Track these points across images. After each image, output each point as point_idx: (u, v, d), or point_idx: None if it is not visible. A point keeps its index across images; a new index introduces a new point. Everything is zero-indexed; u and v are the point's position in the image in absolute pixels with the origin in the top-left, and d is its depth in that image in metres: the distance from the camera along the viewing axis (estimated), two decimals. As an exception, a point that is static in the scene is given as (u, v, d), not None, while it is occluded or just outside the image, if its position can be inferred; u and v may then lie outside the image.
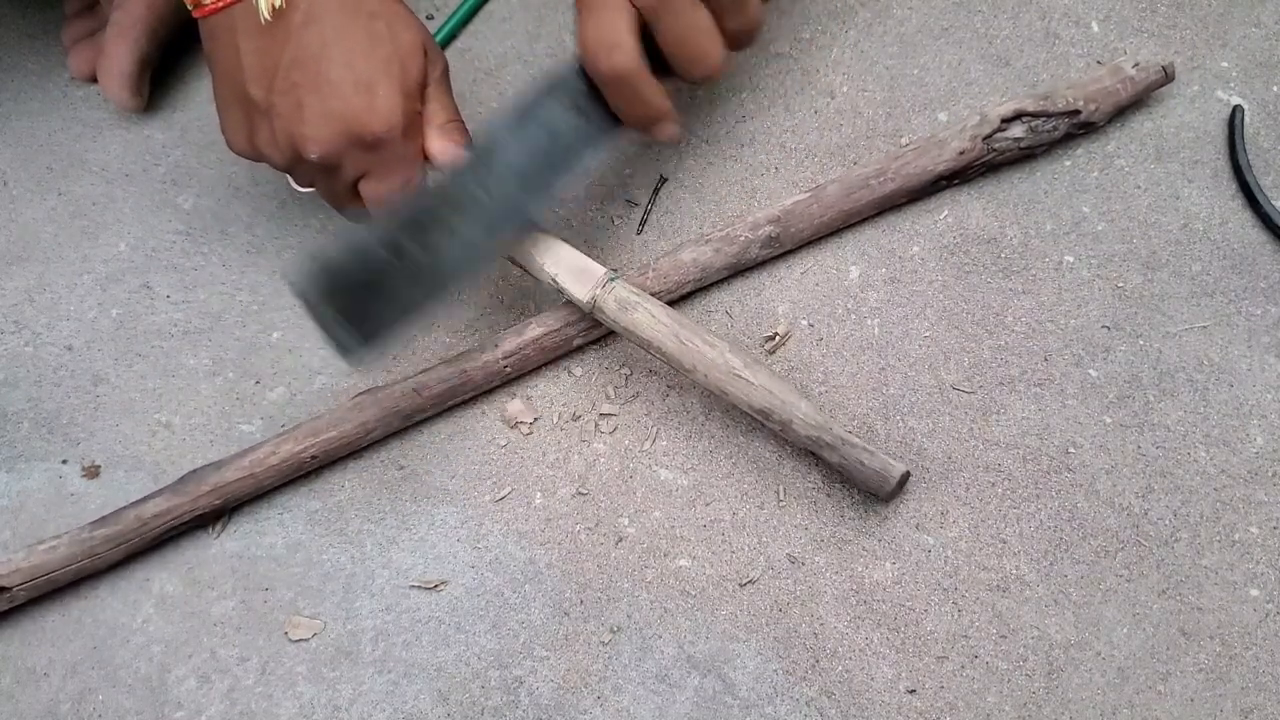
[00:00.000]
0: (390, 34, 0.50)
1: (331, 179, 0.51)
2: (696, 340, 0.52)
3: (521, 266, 0.54)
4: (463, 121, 0.54)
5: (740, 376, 0.51)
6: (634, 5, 0.48)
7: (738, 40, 0.52)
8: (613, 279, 0.53)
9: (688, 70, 0.51)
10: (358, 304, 0.50)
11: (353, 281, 0.50)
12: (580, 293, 0.53)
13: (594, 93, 0.51)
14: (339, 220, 0.56)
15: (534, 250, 0.53)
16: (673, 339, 0.52)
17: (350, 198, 0.53)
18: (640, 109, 0.51)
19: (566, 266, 0.53)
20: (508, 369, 0.56)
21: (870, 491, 0.52)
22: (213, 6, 0.49)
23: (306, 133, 0.49)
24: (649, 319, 0.52)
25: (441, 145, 0.52)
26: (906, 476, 0.51)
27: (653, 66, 0.50)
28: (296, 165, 0.51)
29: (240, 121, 0.52)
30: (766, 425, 0.52)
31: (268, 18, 0.48)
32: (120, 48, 0.63)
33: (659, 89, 0.51)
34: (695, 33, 0.49)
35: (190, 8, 0.50)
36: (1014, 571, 0.52)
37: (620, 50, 0.48)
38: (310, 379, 0.60)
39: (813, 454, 0.53)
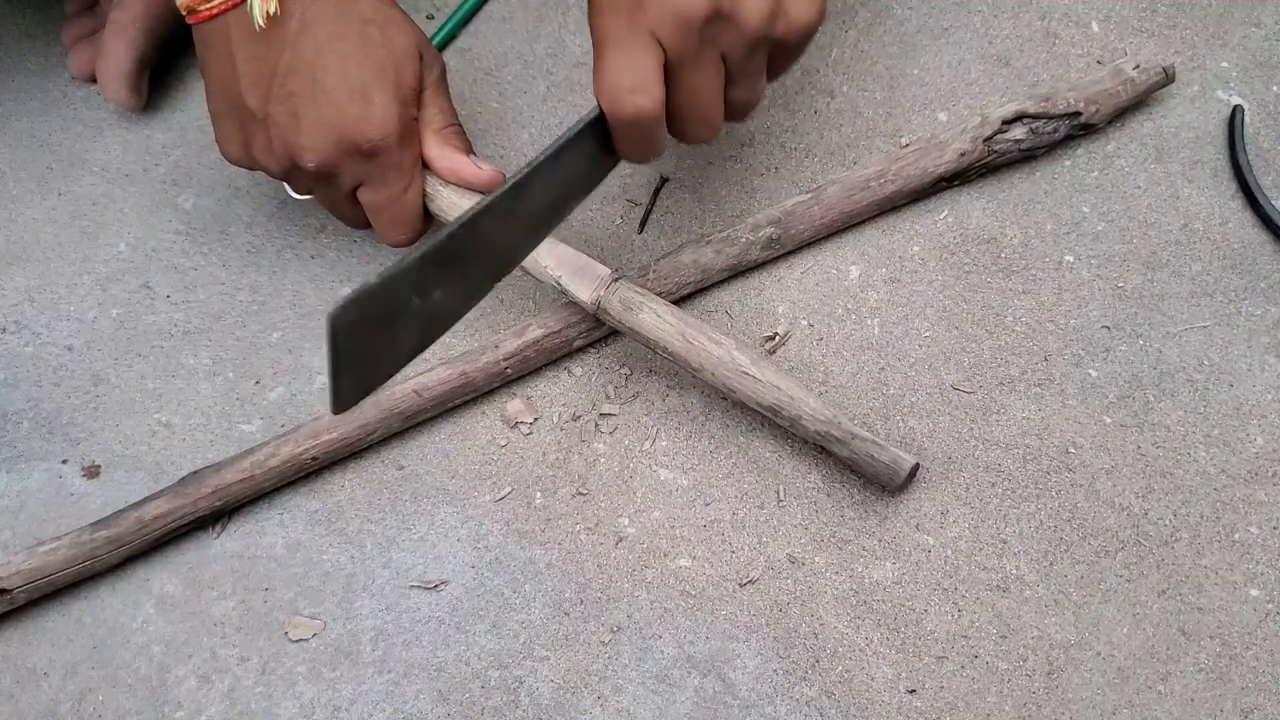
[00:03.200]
0: (384, 39, 0.50)
1: (329, 187, 0.51)
2: (702, 338, 0.52)
3: (523, 268, 0.54)
4: (461, 125, 0.54)
5: (748, 373, 0.51)
6: (663, 48, 0.45)
7: (736, 112, 0.50)
8: (616, 279, 0.53)
9: (687, 129, 0.49)
10: (372, 355, 0.46)
11: (377, 328, 0.45)
12: (584, 294, 0.53)
13: (606, 131, 0.49)
14: (340, 222, 0.56)
15: (536, 252, 0.53)
16: (679, 338, 0.52)
17: (348, 206, 0.53)
18: (646, 151, 0.49)
19: (569, 267, 0.53)
20: (508, 370, 0.56)
21: (880, 484, 0.52)
22: (207, 13, 0.49)
23: (302, 142, 0.49)
24: (654, 318, 0.52)
25: (440, 150, 0.52)
26: (916, 469, 0.51)
27: None
28: (293, 174, 0.51)
29: (235, 130, 0.52)
30: (775, 422, 0.52)
31: (262, 25, 0.48)
32: (119, 47, 0.63)
33: (656, 134, 0.48)
34: (708, 94, 0.48)
35: (185, 14, 0.50)
36: (1014, 571, 0.52)
37: (646, 94, 0.46)
38: (310, 379, 0.60)
39: (821, 449, 0.53)
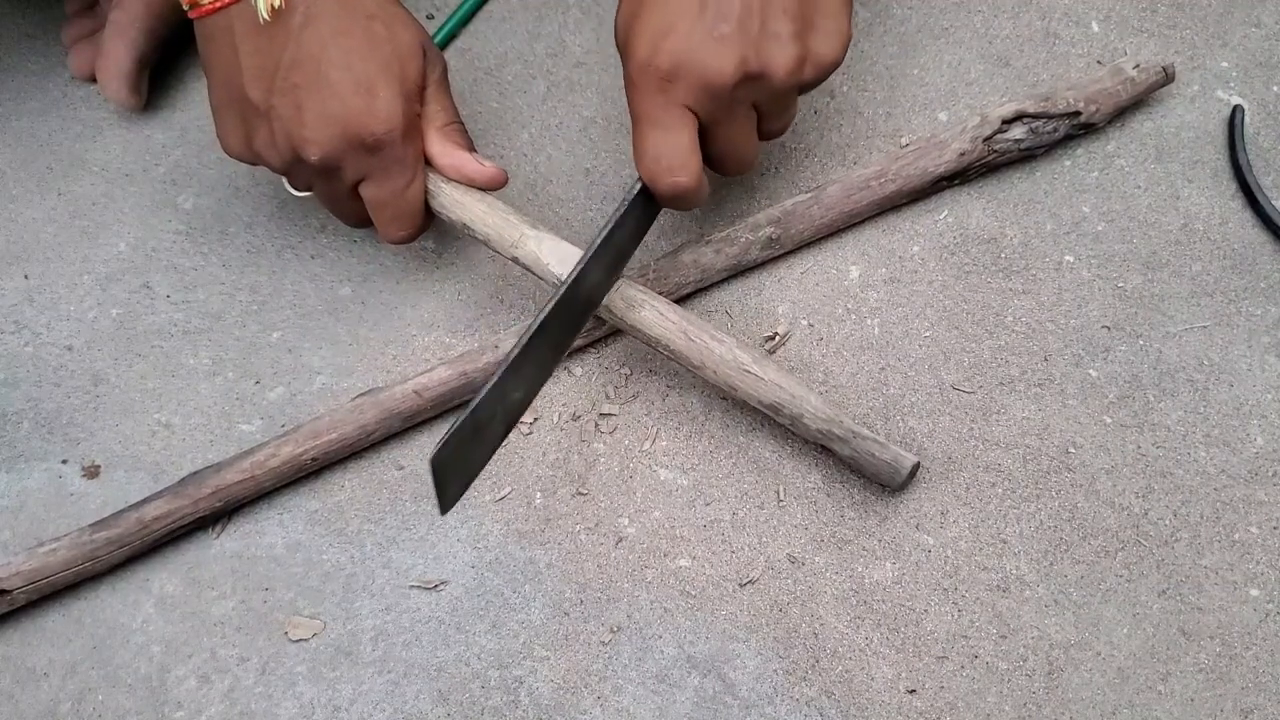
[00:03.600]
0: (389, 35, 0.50)
1: (331, 182, 0.51)
2: (705, 337, 0.52)
3: (525, 267, 0.54)
4: (463, 123, 0.54)
5: (749, 372, 0.51)
6: (696, 116, 0.48)
7: (770, 137, 0.52)
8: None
9: (727, 170, 0.52)
10: (468, 461, 0.48)
11: (470, 441, 0.47)
12: None
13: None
14: (339, 221, 0.56)
15: (538, 250, 0.53)
16: (681, 336, 0.52)
17: (350, 201, 0.53)
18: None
19: (571, 266, 0.53)
20: (508, 369, 0.56)
21: (882, 483, 0.52)
22: (210, 7, 0.49)
23: (306, 135, 0.49)
24: (656, 316, 0.52)
25: (442, 147, 0.52)
26: (917, 468, 0.51)
27: None
28: (295, 168, 0.51)
29: (237, 124, 0.52)
30: (776, 421, 0.52)
31: (266, 18, 0.48)
32: (118, 47, 0.63)
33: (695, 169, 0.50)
34: (744, 140, 0.50)
35: (186, 8, 0.50)
36: (1014, 571, 0.52)
37: (685, 170, 0.48)
38: (310, 379, 0.60)
39: (822, 448, 0.53)
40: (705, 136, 0.49)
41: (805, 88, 0.50)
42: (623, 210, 0.49)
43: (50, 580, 0.54)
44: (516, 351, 0.47)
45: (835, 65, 0.49)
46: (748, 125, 0.49)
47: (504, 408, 0.48)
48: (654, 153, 0.48)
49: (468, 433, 0.46)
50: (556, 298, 0.48)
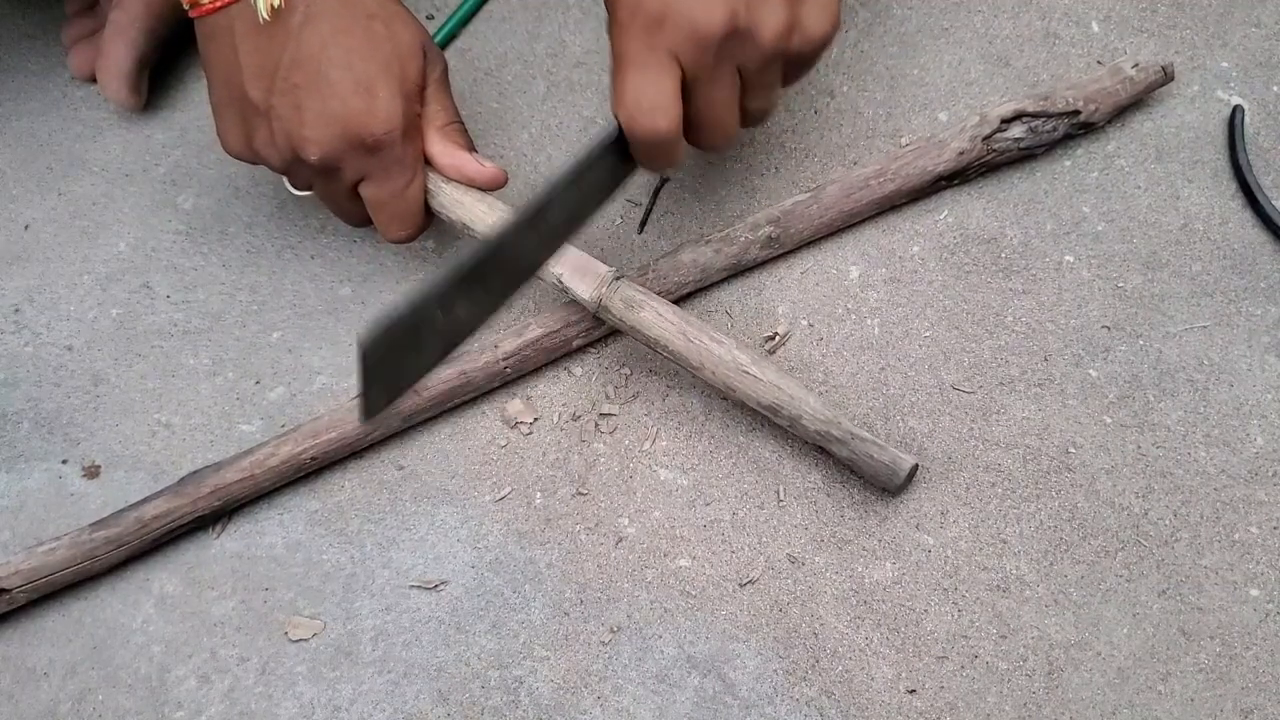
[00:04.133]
0: (389, 34, 0.50)
1: (331, 182, 0.51)
2: (704, 337, 0.52)
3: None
4: (463, 123, 0.54)
5: (748, 373, 0.51)
6: (680, 65, 0.46)
7: (752, 120, 0.51)
8: (617, 278, 0.53)
9: (703, 139, 0.50)
10: (398, 367, 0.48)
11: (404, 344, 0.47)
12: (585, 292, 0.53)
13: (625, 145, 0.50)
14: (339, 222, 0.56)
15: None
16: (680, 337, 0.52)
17: (350, 201, 0.53)
18: (665, 164, 0.50)
19: (571, 266, 0.53)
20: (507, 370, 0.56)
21: (880, 485, 0.52)
22: (210, 6, 0.49)
23: (306, 134, 0.49)
24: (655, 317, 0.52)
25: (442, 147, 0.52)
26: (915, 469, 0.51)
27: None
28: (295, 167, 0.51)
29: (237, 123, 0.52)
30: (775, 421, 0.52)
31: (266, 18, 0.48)
32: (118, 46, 0.63)
33: (677, 147, 0.49)
34: (725, 106, 0.49)
35: (187, 7, 0.50)
36: (1014, 571, 0.52)
37: (664, 114, 0.47)
38: (310, 379, 0.60)
39: (821, 449, 0.53)
40: (686, 95, 0.48)
41: (791, 64, 0.49)
42: (593, 150, 0.48)
43: (50, 580, 0.54)
44: (470, 262, 0.46)
45: (823, 43, 0.48)
46: (730, 91, 0.48)
47: (448, 320, 0.47)
48: (634, 94, 0.46)
49: (406, 322, 0.45)
50: (517, 219, 0.47)
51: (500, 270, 0.48)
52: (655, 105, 0.46)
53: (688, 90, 0.47)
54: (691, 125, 0.49)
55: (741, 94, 0.49)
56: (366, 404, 0.46)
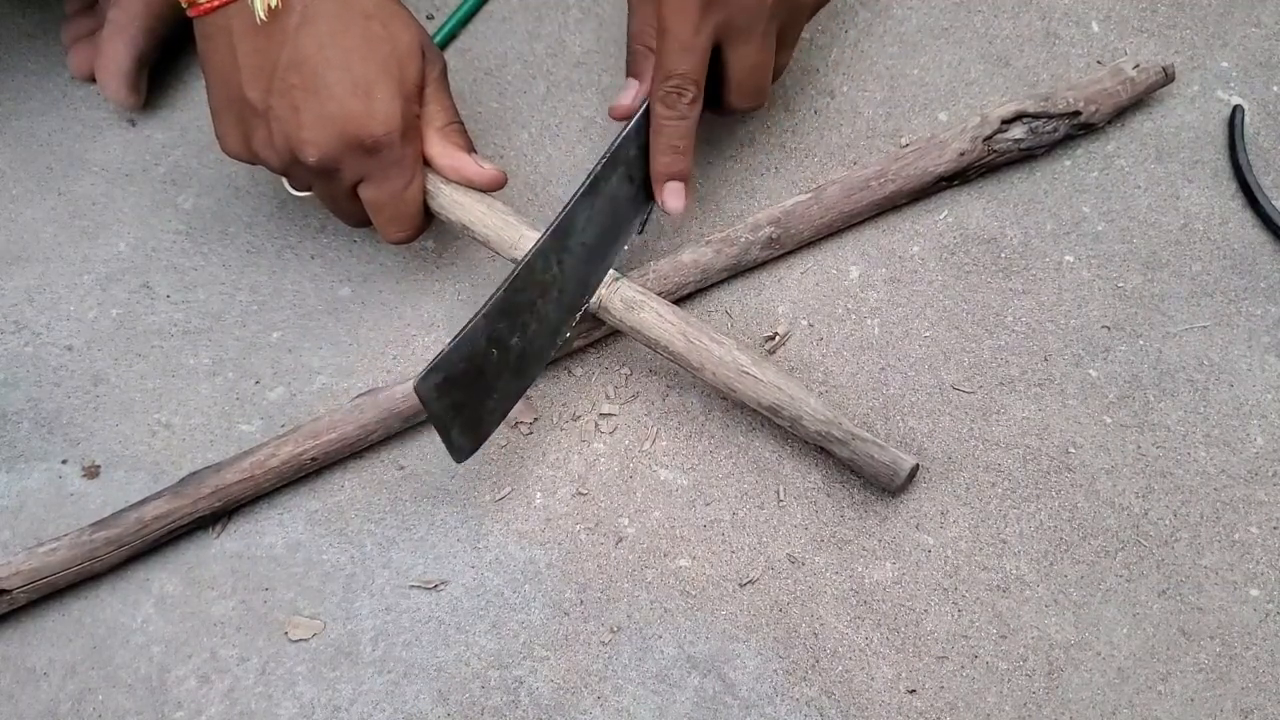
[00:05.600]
0: (388, 35, 0.50)
1: (329, 183, 0.51)
2: (704, 338, 0.52)
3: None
4: (462, 123, 0.54)
5: (748, 373, 0.51)
6: (714, 23, 0.49)
7: (778, 75, 0.54)
8: (617, 278, 0.53)
9: (746, 99, 0.53)
10: (470, 405, 0.50)
11: (467, 383, 0.50)
12: None
13: (644, 158, 0.53)
14: (339, 222, 0.56)
15: None
16: (680, 337, 0.52)
17: (349, 201, 0.53)
18: (678, 139, 0.52)
19: None
20: (508, 369, 0.56)
21: (880, 485, 0.52)
22: (208, 6, 0.49)
23: (304, 136, 0.49)
24: (656, 318, 0.52)
25: (441, 148, 0.52)
26: (916, 469, 0.51)
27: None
28: (293, 168, 0.51)
29: (235, 124, 0.51)
30: (775, 421, 0.52)
31: (263, 18, 0.48)
32: (117, 45, 0.63)
33: (694, 136, 0.52)
34: (767, 66, 0.52)
35: (185, 7, 0.49)
36: (1014, 571, 0.52)
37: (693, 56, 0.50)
38: (310, 379, 0.60)
39: (821, 449, 0.53)
40: (729, 59, 0.51)
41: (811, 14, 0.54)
42: (604, 161, 0.51)
43: (50, 580, 0.54)
44: (499, 292, 0.49)
45: None
46: (771, 51, 0.51)
47: (503, 353, 0.50)
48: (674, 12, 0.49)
49: (455, 362, 0.48)
50: (542, 238, 0.50)
51: (545, 294, 0.51)
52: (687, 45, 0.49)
53: (730, 54, 0.50)
54: (733, 88, 0.52)
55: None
56: (451, 444, 0.50)
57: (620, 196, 0.53)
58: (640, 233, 0.61)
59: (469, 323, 0.49)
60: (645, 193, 0.54)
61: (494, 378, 0.51)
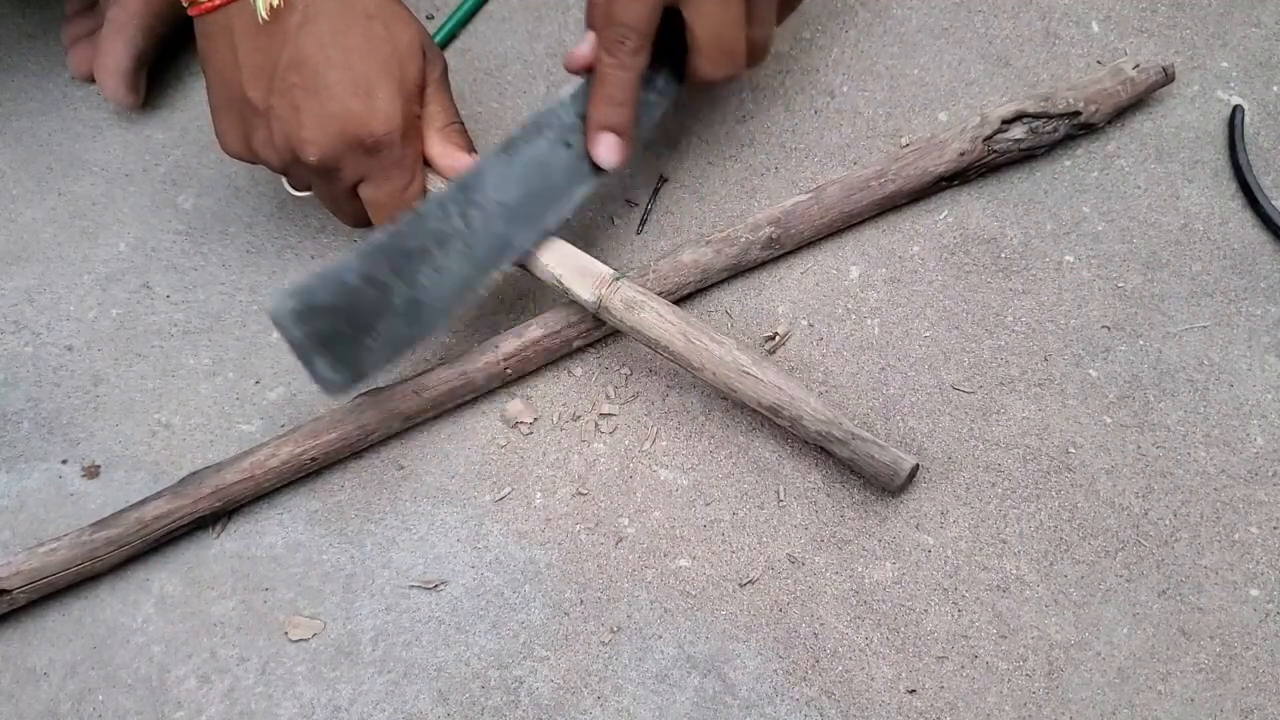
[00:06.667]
0: (388, 35, 0.50)
1: (330, 182, 0.51)
2: (704, 338, 0.52)
3: (524, 267, 0.54)
4: (463, 124, 0.54)
5: (749, 373, 0.51)
6: None
7: (755, 52, 0.52)
8: (618, 279, 0.53)
9: (715, 65, 0.51)
10: (340, 339, 0.50)
11: (333, 316, 0.49)
12: (586, 293, 0.53)
13: (584, 126, 0.52)
14: (339, 222, 0.56)
15: (537, 251, 0.53)
16: (680, 338, 0.52)
17: (349, 201, 0.53)
18: (617, 90, 0.50)
19: (571, 267, 0.53)
20: (508, 370, 0.56)
21: (880, 485, 0.52)
22: (209, 5, 0.49)
23: (305, 135, 0.49)
24: (656, 318, 0.52)
25: (442, 148, 0.52)
26: (916, 469, 0.51)
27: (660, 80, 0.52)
28: (294, 168, 0.51)
29: (236, 123, 0.51)
30: (775, 422, 0.52)
31: (265, 17, 0.48)
32: (116, 45, 0.63)
33: (636, 91, 0.51)
34: (732, 26, 0.49)
35: (185, 5, 0.49)
36: (1014, 571, 0.52)
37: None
38: (310, 379, 0.59)
39: (821, 449, 0.53)
40: (687, 21, 0.49)
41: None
42: (542, 118, 0.52)
43: (50, 580, 0.54)
44: (381, 234, 0.50)
45: None
46: (737, 9, 0.49)
47: (382, 294, 0.50)
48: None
49: (318, 292, 0.49)
50: (444, 191, 0.51)
51: (439, 244, 0.51)
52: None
53: (691, 12, 0.49)
54: (700, 49, 0.50)
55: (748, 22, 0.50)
56: (315, 375, 0.50)
57: (554, 163, 0.52)
58: (639, 233, 0.61)
59: (341, 261, 0.49)
60: (589, 163, 0.53)
61: (371, 317, 0.50)
